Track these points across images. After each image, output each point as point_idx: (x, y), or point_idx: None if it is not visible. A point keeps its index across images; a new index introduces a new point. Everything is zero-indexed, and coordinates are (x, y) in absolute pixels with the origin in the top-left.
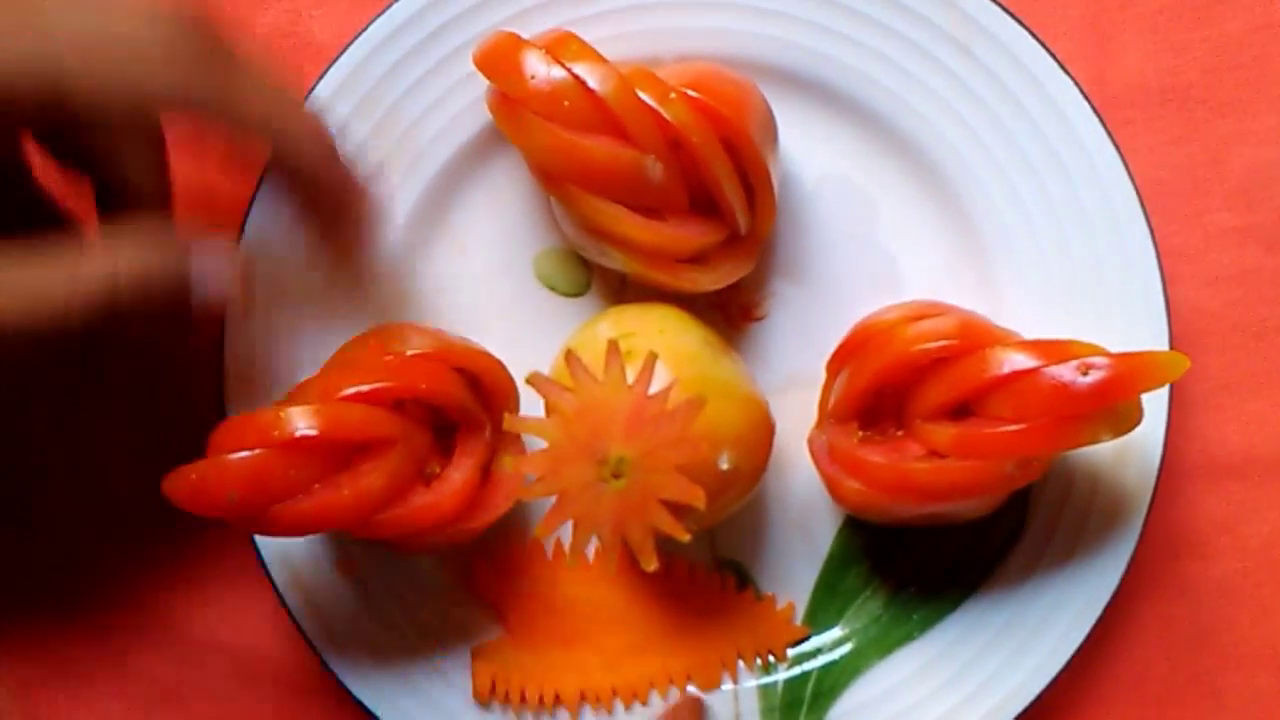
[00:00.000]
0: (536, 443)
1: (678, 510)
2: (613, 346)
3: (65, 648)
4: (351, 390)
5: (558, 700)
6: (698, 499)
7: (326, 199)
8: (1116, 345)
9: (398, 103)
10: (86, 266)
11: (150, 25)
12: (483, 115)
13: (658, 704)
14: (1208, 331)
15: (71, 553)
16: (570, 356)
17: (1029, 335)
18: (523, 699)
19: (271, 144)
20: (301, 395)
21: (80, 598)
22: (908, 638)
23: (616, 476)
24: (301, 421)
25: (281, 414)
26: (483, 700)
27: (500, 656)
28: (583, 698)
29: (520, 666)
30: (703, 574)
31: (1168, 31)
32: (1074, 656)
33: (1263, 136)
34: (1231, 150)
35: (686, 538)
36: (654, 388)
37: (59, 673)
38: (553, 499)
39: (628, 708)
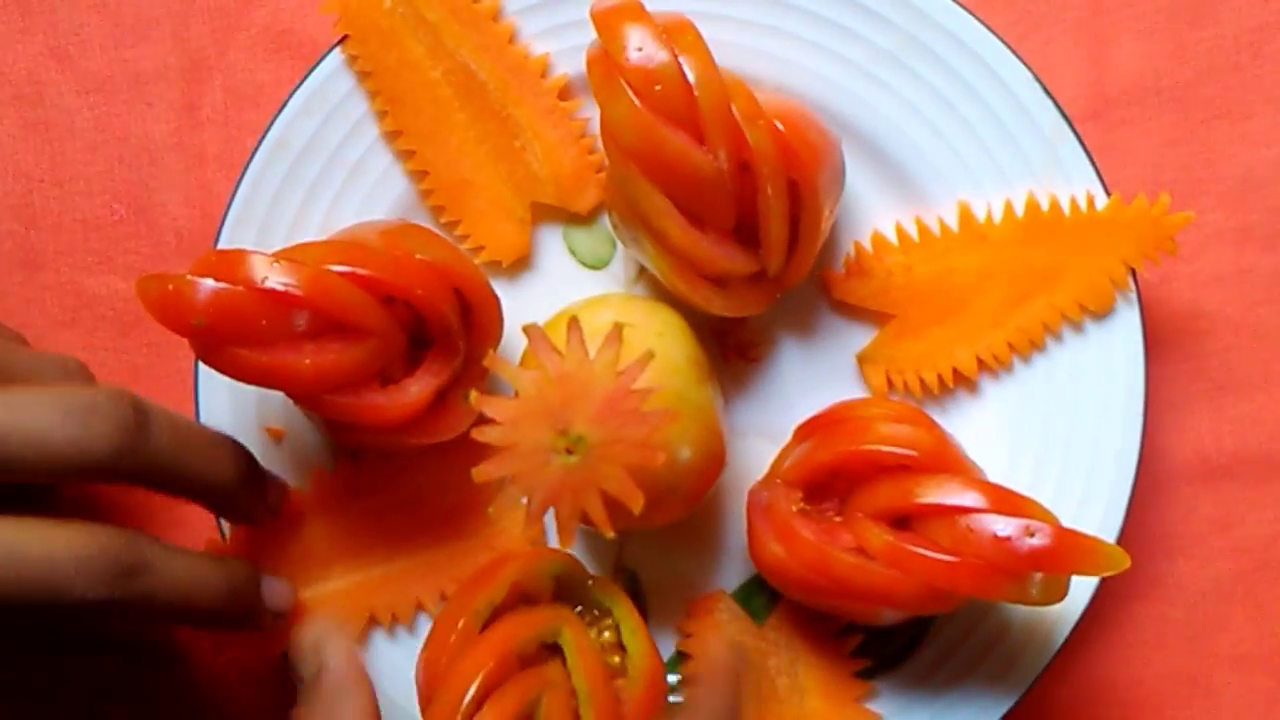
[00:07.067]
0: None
1: (611, 506)
2: (615, 331)
3: None
4: (349, 269)
5: (957, 374)
6: (636, 503)
7: (241, 513)
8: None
9: None
10: None
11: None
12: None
13: (1055, 349)
14: (1203, 331)
15: None
16: (573, 323)
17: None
18: (922, 384)
19: (187, 479)
20: (300, 254)
21: None
22: None
23: (569, 452)
24: (291, 276)
25: (275, 262)
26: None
27: (884, 354)
28: (980, 363)
29: (909, 355)
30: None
31: (1164, 33)
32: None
33: (1259, 137)
34: (1228, 151)
35: (611, 534)
36: (638, 384)
37: None
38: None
39: (1026, 358)
